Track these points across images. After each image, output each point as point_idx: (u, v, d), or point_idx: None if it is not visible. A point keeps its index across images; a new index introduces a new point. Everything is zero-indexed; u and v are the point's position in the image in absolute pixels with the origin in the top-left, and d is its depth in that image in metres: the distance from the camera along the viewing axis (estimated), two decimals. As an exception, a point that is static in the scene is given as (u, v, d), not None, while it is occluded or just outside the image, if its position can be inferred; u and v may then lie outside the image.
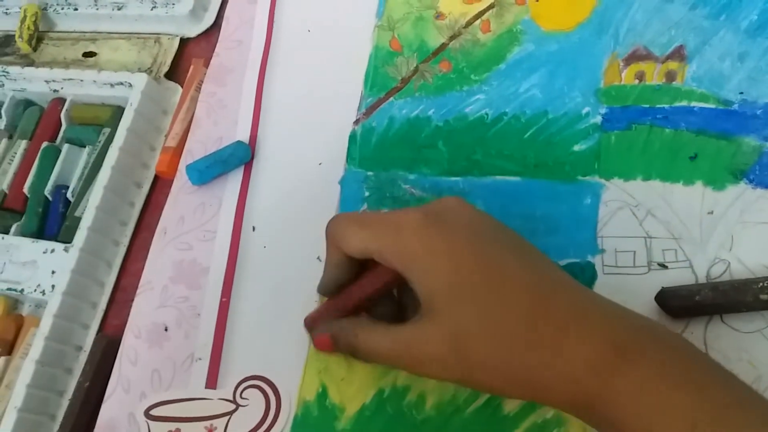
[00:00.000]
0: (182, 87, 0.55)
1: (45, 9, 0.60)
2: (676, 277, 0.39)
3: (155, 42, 0.58)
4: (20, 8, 0.60)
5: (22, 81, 0.56)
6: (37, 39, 0.60)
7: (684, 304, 0.37)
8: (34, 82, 0.56)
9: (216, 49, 0.56)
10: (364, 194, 0.46)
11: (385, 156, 0.47)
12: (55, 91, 0.56)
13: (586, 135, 0.45)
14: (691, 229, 0.40)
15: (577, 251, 0.41)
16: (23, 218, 0.51)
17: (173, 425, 0.41)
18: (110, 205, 0.49)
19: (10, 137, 0.56)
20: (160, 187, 0.53)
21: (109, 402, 0.43)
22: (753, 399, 0.31)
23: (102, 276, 0.49)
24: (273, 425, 0.40)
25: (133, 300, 0.47)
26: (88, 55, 0.59)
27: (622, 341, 0.32)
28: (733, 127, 0.42)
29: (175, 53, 0.57)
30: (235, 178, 0.49)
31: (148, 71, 0.56)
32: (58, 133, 0.55)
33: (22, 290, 0.48)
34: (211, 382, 0.42)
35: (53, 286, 0.47)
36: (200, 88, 0.54)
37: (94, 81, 0.54)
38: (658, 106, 0.44)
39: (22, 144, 0.55)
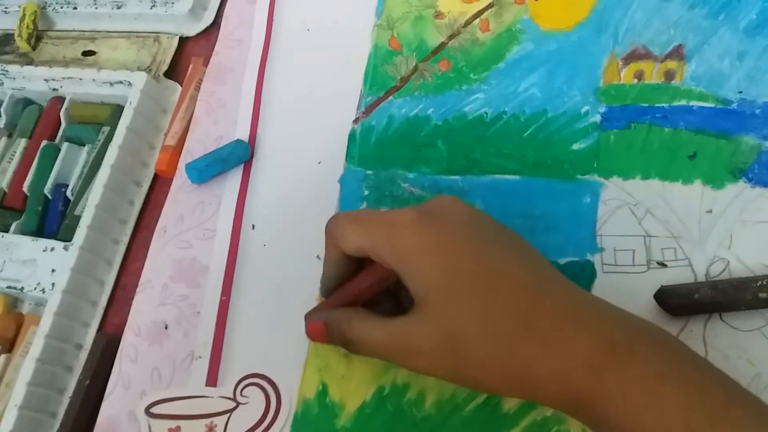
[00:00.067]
0: (181, 86, 0.55)
1: (44, 8, 0.60)
2: (676, 275, 0.39)
3: (154, 41, 0.58)
4: (19, 7, 0.60)
5: (22, 80, 0.56)
6: (37, 38, 0.60)
7: (683, 302, 0.37)
8: (34, 80, 0.56)
9: (215, 48, 0.56)
10: (363, 193, 0.46)
11: (384, 155, 0.47)
12: (54, 89, 0.55)
13: (586, 134, 0.45)
14: (690, 228, 0.40)
15: (577, 250, 0.41)
16: (23, 217, 0.51)
17: (173, 423, 0.41)
18: (110, 203, 0.49)
19: (10, 136, 0.56)
20: (159, 185, 0.53)
21: (110, 400, 0.43)
22: (747, 399, 0.31)
23: (102, 274, 0.49)
24: (273, 423, 0.40)
25: (133, 298, 0.47)
26: (88, 53, 0.59)
27: (616, 340, 0.32)
28: (732, 126, 0.42)
29: (174, 52, 0.57)
30: (235, 176, 0.49)
31: (148, 70, 0.56)
32: (57, 132, 0.55)
33: (22, 288, 0.48)
34: (212, 380, 0.42)
35: (53, 285, 0.47)
36: (200, 87, 0.54)
37: (94, 80, 0.54)
38: (657, 105, 0.44)
39: (22, 143, 0.55)
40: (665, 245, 0.40)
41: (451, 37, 0.51)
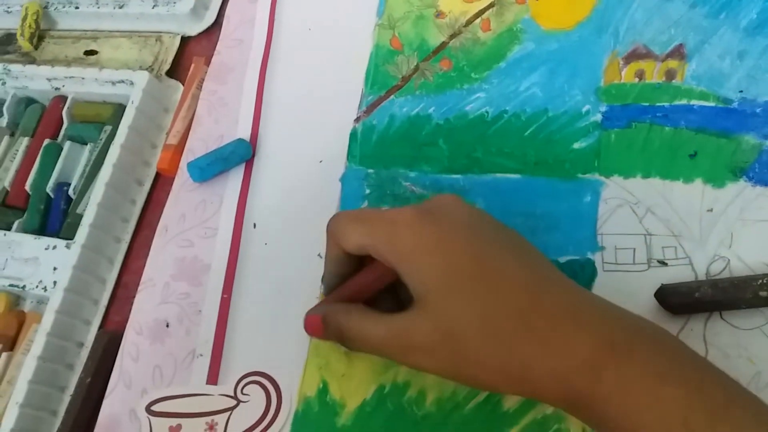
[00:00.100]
0: (183, 85, 0.55)
1: (46, 7, 0.60)
2: (676, 274, 0.39)
3: (156, 40, 0.58)
4: (22, 6, 0.60)
5: (24, 79, 0.56)
6: (39, 37, 0.60)
7: (683, 300, 0.37)
8: (36, 80, 0.56)
9: (217, 48, 0.56)
10: (364, 192, 0.46)
11: (385, 154, 0.48)
12: (56, 88, 0.56)
13: (586, 133, 0.45)
14: (691, 227, 0.40)
15: (577, 248, 0.41)
16: (25, 215, 0.51)
17: (174, 421, 0.41)
18: (112, 202, 0.49)
19: (12, 135, 0.56)
20: (161, 184, 0.53)
21: (111, 398, 0.44)
22: (747, 398, 0.31)
23: (103, 273, 0.49)
24: (274, 421, 0.40)
25: (134, 297, 0.47)
26: (90, 53, 0.59)
27: (616, 339, 0.32)
28: (733, 125, 0.42)
29: (176, 51, 0.57)
30: (236, 175, 0.50)
31: (150, 69, 0.56)
32: (59, 131, 0.55)
33: (24, 286, 0.48)
34: (212, 378, 0.42)
35: (55, 283, 0.47)
36: (201, 86, 0.54)
37: (96, 79, 0.54)
38: (657, 104, 0.44)
39: (24, 141, 0.55)
40: (666, 244, 0.40)
41: (453, 36, 0.51)
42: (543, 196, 0.43)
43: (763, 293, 0.36)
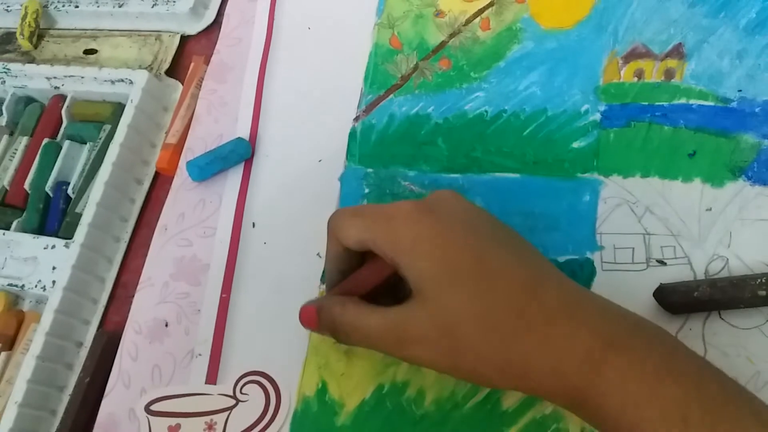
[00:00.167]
0: (183, 84, 0.55)
1: (46, 6, 0.60)
2: (675, 273, 0.39)
3: (156, 39, 0.58)
4: (21, 5, 0.60)
5: (23, 78, 0.56)
6: (38, 36, 0.60)
7: (682, 300, 0.38)
8: (35, 79, 0.56)
9: (216, 47, 0.56)
10: (363, 191, 0.46)
11: (384, 153, 0.48)
12: (56, 87, 0.56)
13: (585, 132, 0.45)
14: (690, 226, 0.40)
15: (576, 248, 0.41)
16: (24, 214, 0.51)
17: (173, 420, 0.41)
18: (111, 201, 0.49)
19: (11, 134, 0.56)
20: (160, 183, 0.53)
21: (110, 397, 0.44)
22: (744, 396, 0.31)
23: (102, 272, 0.49)
24: (273, 420, 0.40)
25: (133, 296, 0.47)
26: (89, 52, 0.59)
27: (613, 336, 0.32)
28: (732, 125, 0.42)
29: (175, 50, 0.57)
30: (236, 174, 0.50)
31: (149, 68, 0.56)
32: (58, 130, 0.55)
33: (22, 286, 0.48)
34: (212, 377, 0.42)
35: (54, 282, 0.47)
36: (201, 86, 0.54)
37: (95, 78, 0.54)
38: (656, 103, 0.44)
39: (23, 140, 0.55)
40: (665, 243, 0.40)
41: (452, 35, 0.51)
42: (542, 195, 0.43)
43: (761, 292, 0.36)
